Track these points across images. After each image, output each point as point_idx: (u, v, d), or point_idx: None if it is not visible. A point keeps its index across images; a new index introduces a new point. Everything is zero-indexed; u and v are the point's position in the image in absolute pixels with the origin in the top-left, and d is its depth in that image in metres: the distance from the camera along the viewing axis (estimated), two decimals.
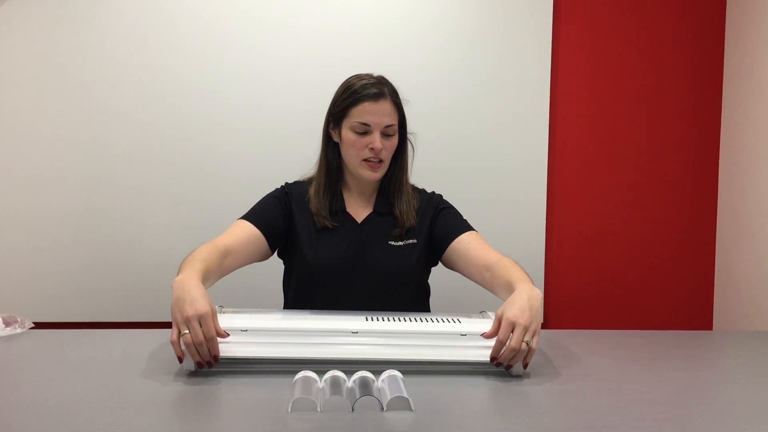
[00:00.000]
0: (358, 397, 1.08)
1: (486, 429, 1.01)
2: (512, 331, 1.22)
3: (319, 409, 1.07)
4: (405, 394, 1.09)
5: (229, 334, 1.25)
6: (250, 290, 2.16)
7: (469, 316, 1.48)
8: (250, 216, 1.59)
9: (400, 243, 1.60)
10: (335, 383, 1.14)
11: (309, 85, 2.37)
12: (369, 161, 1.54)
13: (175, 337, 1.20)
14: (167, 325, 1.28)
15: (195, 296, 1.21)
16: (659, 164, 2.61)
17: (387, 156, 1.56)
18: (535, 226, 2.54)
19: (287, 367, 1.25)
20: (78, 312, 2.38)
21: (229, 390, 1.17)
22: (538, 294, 1.29)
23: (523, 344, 1.22)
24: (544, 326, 2.60)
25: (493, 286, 1.46)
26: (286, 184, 1.68)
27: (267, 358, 1.26)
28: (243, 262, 1.53)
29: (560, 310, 2.61)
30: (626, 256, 2.63)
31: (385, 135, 1.54)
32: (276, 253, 1.66)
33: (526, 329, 1.22)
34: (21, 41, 2.30)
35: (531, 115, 2.51)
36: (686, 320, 2.67)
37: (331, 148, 1.60)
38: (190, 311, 1.19)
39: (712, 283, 2.67)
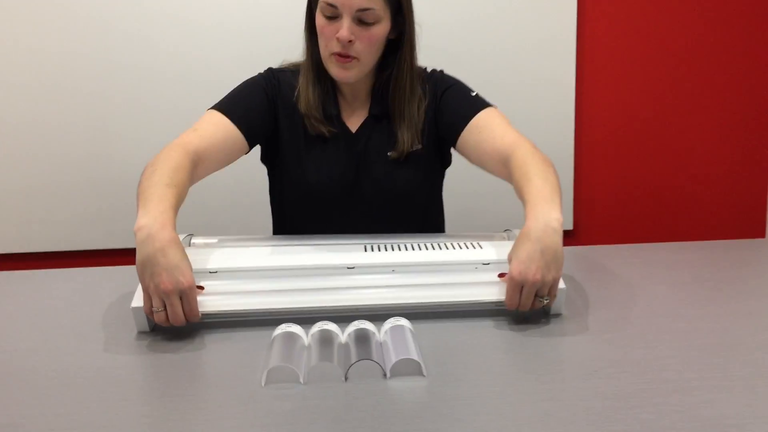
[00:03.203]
0: (353, 361, 0.83)
1: (526, 402, 0.76)
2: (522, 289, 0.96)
3: (301, 380, 0.82)
4: (415, 356, 0.84)
5: (204, 288, 1.00)
6: (233, 206, 1.90)
7: (492, 237, 1.21)
8: (227, 107, 1.22)
9: (403, 155, 1.27)
10: (325, 339, 0.89)
11: None
12: (338, 55, 1.17)
13: (147, 308, 0.94)
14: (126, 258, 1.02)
15: (174, 261, 0.92)
16: (712, 48, 2.24)
17: (363, 51, 1.17)
18: (563, 118, 2.22)
19: (268, 316, 1.01)
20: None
21: (192, 354, 0.92)
22: (554, 224, 0.96)
23: (536, 301, 0.96)
24: (573, 240, 2.33)
25: (514, 188, 1.13)
26: (271, 70, 1.32)
27: (240, 312, 1.01)
28: (216, 168, 1.22)
29: (592, 217, 2.33)
30: (669, 155, 2.32)
31: (361, 22, 1.14)
32: (259, 158, 1.37)
33: (535, 286, 0.95)
34: None
35: None
36: (735, 228, 2.40)
37: (314, 37, 1.25)
38: (168, 284, 0.91)
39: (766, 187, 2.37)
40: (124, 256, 2.10)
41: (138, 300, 0.97)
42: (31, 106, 2.07)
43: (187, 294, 0.93)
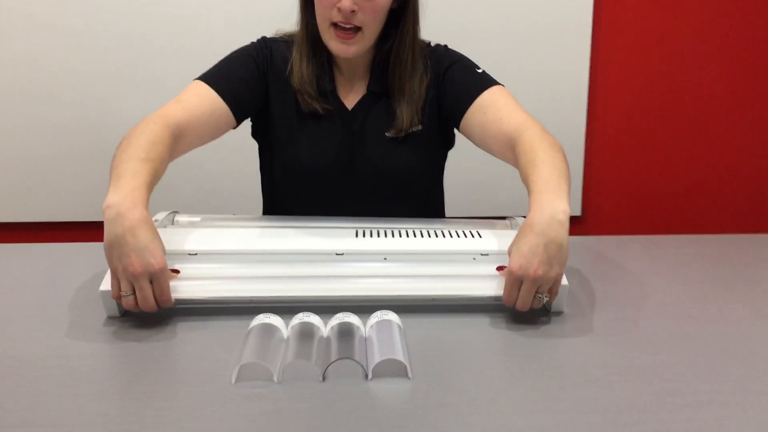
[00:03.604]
0: (332, 358, 0.77)
1: (519, 412, 0.69)
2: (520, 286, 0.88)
3: (275, 379, 0.75)
4: (400, 356, 0.77)
5: (180, 272, 0.93)
6: (222, 183, 1.82)
7: (493, 225, 1.13)
8: (214, 78, 1.13)
9: (402, 134, 1.20)
10: (305, 333, 0.82)
11: None
12: (338, 27, 1.08)
13: (115, 293, 0.87)
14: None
15: (144, 242, 0.85)
16: (731, 34, 2.13)
17: (368, 21, 1.07)
18: (575, 99, 2.12)
19: (247, 304, 0.94)
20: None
21: (161, 345, 0.86)
22: (560, 217, 0.88)
23: (536, 300, 0.88)
24: (581, 227, 2.24)
25: (519, 173, 1.05)
26: (264, 39, 1.22)
27: (216, 299, 0.94)
28: (199, 143, 1.13)
29: (601, 203, 2.25)
30: (684, 142, 2.22)
31: None
32: (250, 133, 1.29)
33: (536, 282, 0.87)
34: None
35: None
36: (752, 222, 2.30)
37: (310, 6, 1.15)
38: (137, 266, 0.84)
39: None
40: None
41: (107, 283, 0.90)
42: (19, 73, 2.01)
43: (158, 277, 0.86)
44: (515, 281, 0.88)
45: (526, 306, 0.89)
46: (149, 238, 0.86)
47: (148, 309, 0.87)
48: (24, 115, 2.04)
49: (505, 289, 0.89)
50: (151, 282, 0.86)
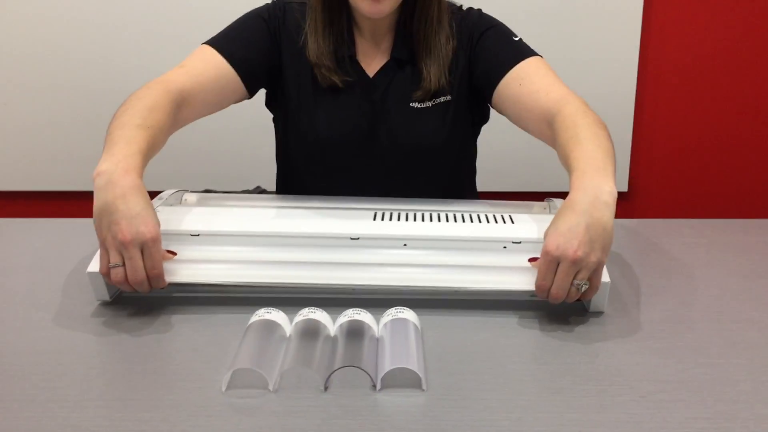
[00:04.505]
0: (338, 363, 0.67)
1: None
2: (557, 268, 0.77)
3: (271, 387, 0.66)
4: (414, 365, 0.67)
5: (176, 254, 0.85)
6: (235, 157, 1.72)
7: (529, 209, 1.02)
8: (222, 42, 1.04)
9: (428, 104, 1.08)
10: (309, 332, 0.73)
11: None
12: None
13: (104, 268, 0.79)
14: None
15: (135, 209, 0.77)
16: None
17: None
18: (624, 61, 1.96)
19: (248, 293, 0.86)
20: None
21: (151, 340, 0.78)
22: (605, 197, 0.77)
23: (573, 288, 0.77)
24: (628, 205, 2.10)
25: (557, 152, 0.94)
26: (277, 1, 1.11)
27: (214, 284, 0.85)
28: (206, 111, 1.04)
29: (651, 178, 2.09)
30: (745, 112, 2.04)
31: None
32: (264, 102, 1.19)
33: (575, 265, 0.75)
34: None
35: None
36: None
37: None
38: (127, 233, 0.76)
39: None
40: None
41: (96, 264, 0.82)
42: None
43: (150, 247, 0.78)
44: (551, 263, 0.76)
45: (561, 293, 0.77)
46: (141, 205, 0.78)
47: (138, 284, 0.79)
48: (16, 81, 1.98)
49: (539, 272, 0.78)
50: (142, 254, 0.78)
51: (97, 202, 0.78)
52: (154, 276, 0.79)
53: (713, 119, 2.05)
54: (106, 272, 0.79)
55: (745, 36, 1.98)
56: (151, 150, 0.86)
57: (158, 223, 0.79)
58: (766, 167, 2.11)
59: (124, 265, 0.78)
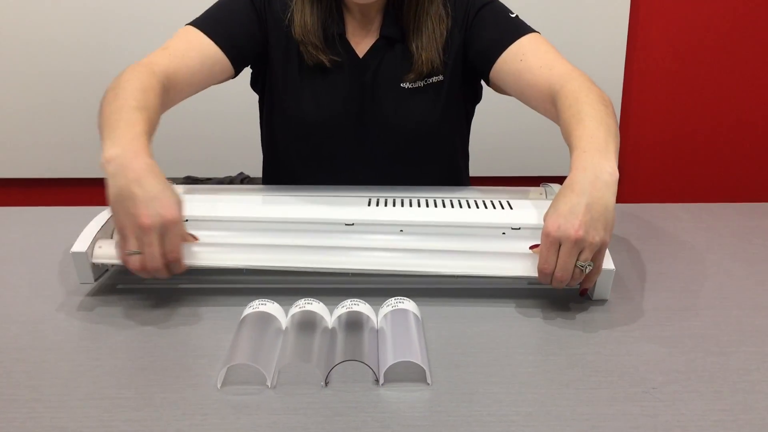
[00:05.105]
0: (337, 357, 0.64)
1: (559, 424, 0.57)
2: (558, 249, 0.74)
3: (268, 383, 0.63)
4: (418, 358, 0.64)
5: (198, 239, 0.82)
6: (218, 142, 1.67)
7: (526, 194, 0.99)
8: (206, 22, 1.01)
9: (420, 84, 1.05)
10: (306, 323, 0.70)
11: None
12: None
13: (122, 253, 0.75)
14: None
15: (153, 191, 0.73)
16: None
17: None
18: (613, 37, 1.94)
19: (244, 282, 0.82)
20: None
21: (143, 333, 0.74)
22: (605, 177, 0.75)
23: (577, 270, 0.74)
24: (618, 197, 2.08)
25: (560, 129, 0.90)
26: None
27: (207, 267, 0.81)
28: (191, 92, 1.01)
29: (640, 164, 2.08)
30: (741, 89, 2.03)
31: None
32: (249, 83, 1.15)
33: (577, 246, 0.73)
34: None
35: None
36: None
37: None
38: (145, 217, 0.72)
39: None
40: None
41: (82, 244, 0.78)
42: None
43: (170, 230, 0.74)
44: (552, 245, 0.74)
45: (565, 276, 0.74)
46: (158, 187, 0.74)
47: (156, 271, 0.75)
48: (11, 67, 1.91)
49: (541, 256, 0.75)
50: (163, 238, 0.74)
51: (111, 189, 0.74)
52: (173, 260, 0.75)
53: (698, 109, 2.04)
54: (123, 259, 0.75)
55: (731, 24, 1.96)
56: (151, 131, 0.82)
57: (179, 203, 0.75)
58: (752, 153, 2.11)
59: (141, 251, 0.74)
